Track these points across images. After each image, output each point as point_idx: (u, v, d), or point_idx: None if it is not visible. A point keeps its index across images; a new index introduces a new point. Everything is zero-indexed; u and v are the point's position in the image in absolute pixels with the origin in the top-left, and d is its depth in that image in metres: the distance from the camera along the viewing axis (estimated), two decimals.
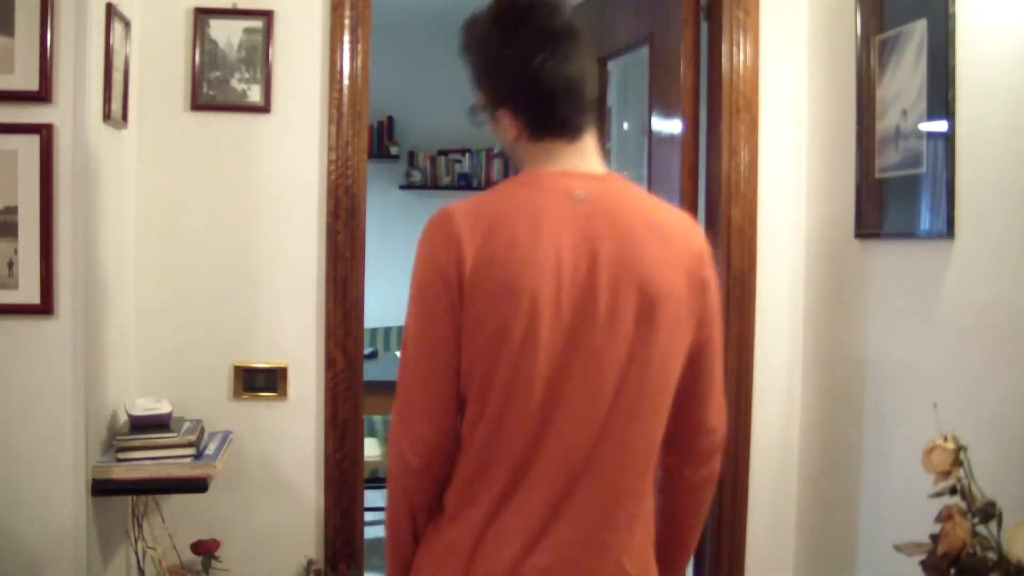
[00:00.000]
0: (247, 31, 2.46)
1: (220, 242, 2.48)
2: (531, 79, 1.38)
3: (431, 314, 1.36)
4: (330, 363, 2.50)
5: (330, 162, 2.49)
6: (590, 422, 1.33)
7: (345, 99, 2.48)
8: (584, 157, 1.45)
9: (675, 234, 1.43)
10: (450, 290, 1.33)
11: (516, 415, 1.33)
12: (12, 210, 2.00)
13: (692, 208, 2.68)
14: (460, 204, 1.39)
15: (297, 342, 2.51)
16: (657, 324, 1.35)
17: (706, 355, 1.45)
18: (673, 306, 1.37)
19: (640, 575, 1.39)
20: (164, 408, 2.22)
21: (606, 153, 3.37)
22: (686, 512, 1.53)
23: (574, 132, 1.43)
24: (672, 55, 2.72)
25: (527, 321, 1.31)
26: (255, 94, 2.47)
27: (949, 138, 1.89)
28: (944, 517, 1.46)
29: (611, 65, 3.38)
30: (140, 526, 2.33)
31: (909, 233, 2.09)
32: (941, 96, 1.92)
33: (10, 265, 2.00)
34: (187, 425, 2.25)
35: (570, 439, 1.33)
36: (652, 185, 2.90)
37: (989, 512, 1.44)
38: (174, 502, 2.42)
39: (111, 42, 2.14)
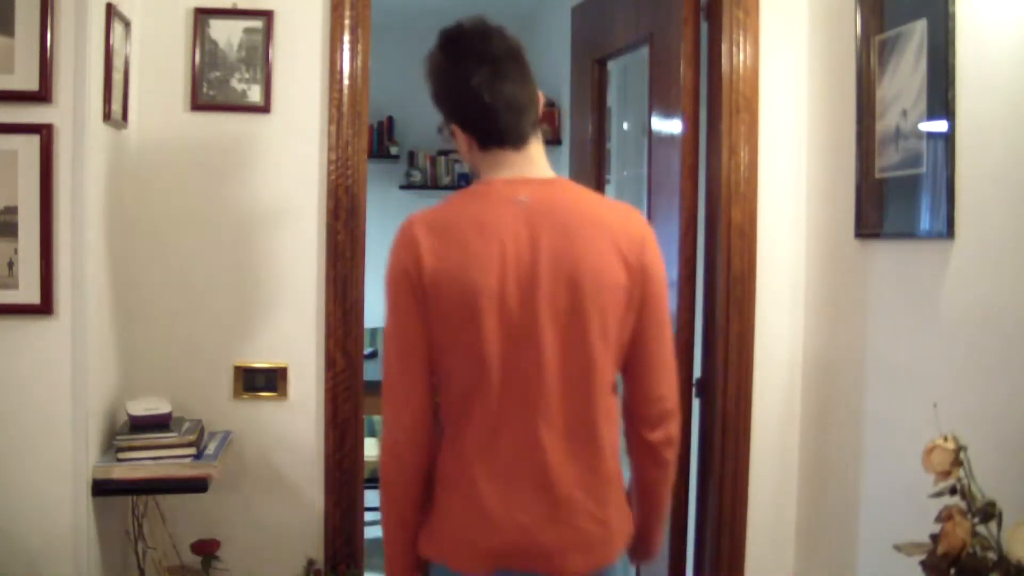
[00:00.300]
0: (247, 31, 2.46)
1: (220, 242, 2.48)
2: (473, 96, 1.61)
3: (401, 312, 1.60)
4: (330, 363, 2.50)
5: (330, 162, 2.49)
6: (542, 395, 1.56)
7: (345, 99, 2.49)
8: (531, 163, 1.66)
9: (613, 226, 1.62)
10: (414, 290, 1.57)
11: (480, 393, 1.57)
12: (12, 210, 2.00)
13: (692, 208, 2.68)
14: (420, 214, 1.63)
15: (297, 342, 2.51)
16: (594, 306, 1.56)
17: (650, 331, 1.64)
18: (610, 290, 1.58)
19: (601, 518, 1.61)
20: (164, 408, 2.22)
21: (606, 153, 3.39)
22: (650, 469, 1.72)
23: (517, 141, 1.64)
24: (672, 55, 2.72)
25: (479, 313, 1.54)
26: (255, 94, 2.47)
27: (949, 138, 1.89)
28: (944, 517, 1.46)
29: (611, 65, 3.38)
30: (140, 526, 2.33)
31: (909, 233, 2.09)
32: (941, 96, 1.92)
33: (10, 265, 2.00)
34: (187, 425, 2.25)
35: (525, 410, 1.57)
36: (652, 185, 2.90)
37: (989, 512, 1.44)
38: (174, 502, 2.42)
39: (111, 42, 2.14)
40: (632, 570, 2.84)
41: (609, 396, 1.63)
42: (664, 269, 1.68)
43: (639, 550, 1.77)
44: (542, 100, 1.70)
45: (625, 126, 3.59)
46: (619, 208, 1.71)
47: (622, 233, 1.62)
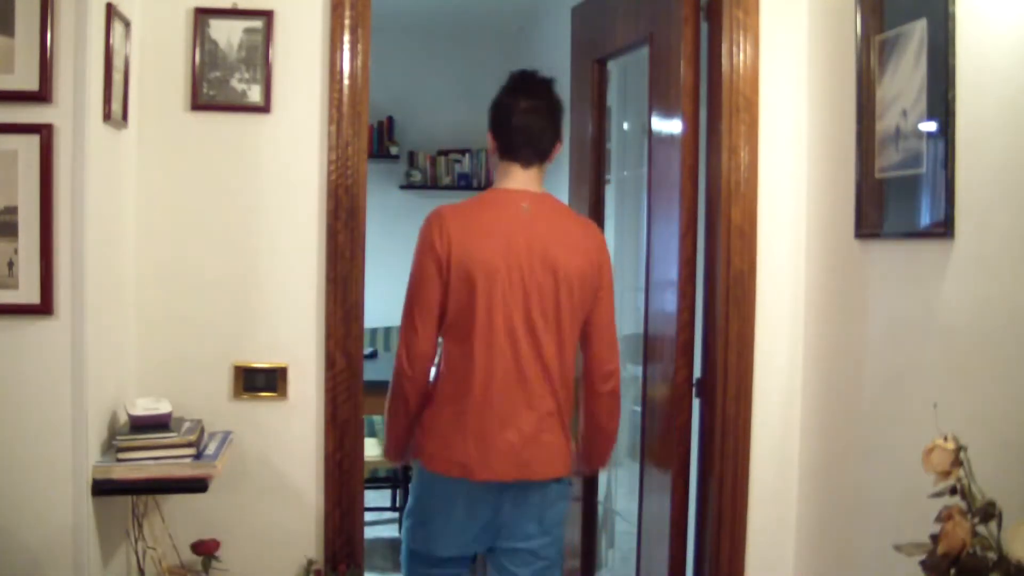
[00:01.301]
0: (247, 31, 2.46)
1: (220, 242, 2.48)
2: (508, 115, 2.26)
3: (424, 280, 2.17)
4: (330, 363, 2.50)
5: (330, 162, 2.49)
6: (528, 351, 2.16)
7: (345, 99, 2.49)
8: (531, 181, 2.26)
9: (578, 234, 2.26)
10: (439, 265, 2.15)
11: (484, 342, 2.14)
12: (12, 210, 2.00)
13: (692, 208, 2.68)
14: (449, 206, 2.22)
15: (297, 342, 2.51)
16: (566, 291, 2.18)
17: (600, 311, 2.26)
18: (575, 280, 2.19)
19: (556, 444, 2.22)
20: (164, 408, 2.22)
21: (606, 153, 3.39)
22: (600, 414, 2.31)
23: (526, 161, 2.25)
24: (672, 55, 2.72)
25: (489, 286, 2.14)
26: (255, 94, 2.47)
27: (949, 138, 1.89)
28: (944, 517, 1.46)
29: (611, 65, 3.38)
30: (140, 526, 2.33)
31: (909, 233, 2.09)
32: (941, 96, 1.92)
33: (10, 265, 2.00)
34: (187, 425, 2.25)
35: (505, 366, 2.15)
36: (652, 185, 2.90)
37: (989, 512, 1.44)
38: (174, 502, 2.42)
39: (111, 42, 2.14)
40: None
41: (569, 356, 2.23)
42: (611, 269, 2.29)
43: (587, 465, 2.43)
44: (559, 148, 2.29)
45: (625, 126, 3.59)
46: (583, 221, 2.37)
47: (584, 240, 2.25)
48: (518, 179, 2.24)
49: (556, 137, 2.27)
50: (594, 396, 2.30)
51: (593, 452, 2.38)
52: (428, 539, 2.24)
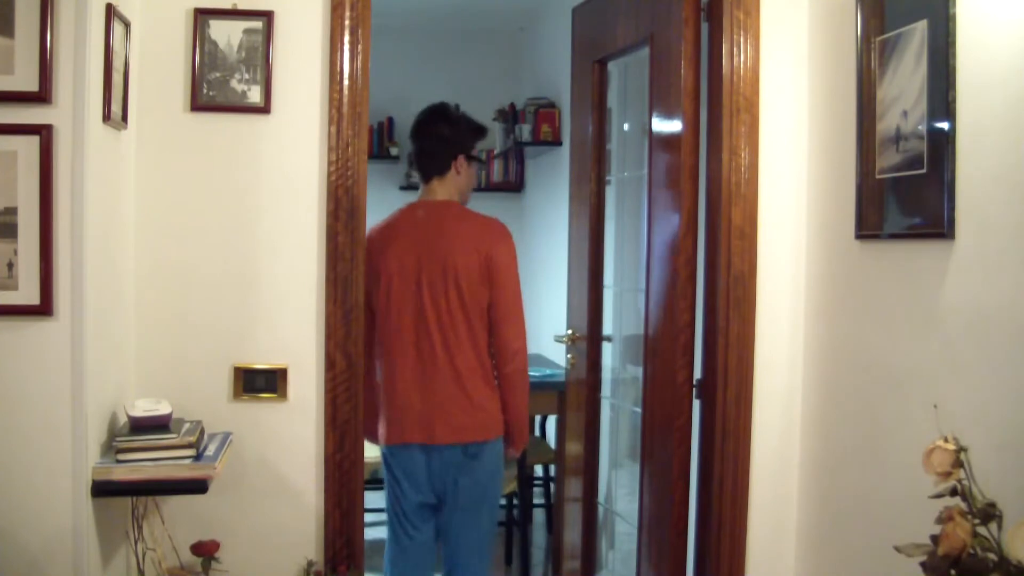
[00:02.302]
0: (247, 32, 2.46)
1: (220, 243, 2.48)
2: (413, 147, 2.83)
3: (367, 280, 2.60)
4: (330, 364, 2.50)
5: (330, 163, 2.49)
6: (424, 337, 2.61)
7: (345, 99, 2.49)
8: (430, 192, 2.76)
9: (469, 232, 2.66)
10: (367, 272, 2.61)
11: (395, 333, 2.63)
12: (12, 211, 2.00)
13: (693, 208, 2.68)
14: (380, 221, 2.77)
15: (297, 343, 2.51)
16: (452, 282, 2.59)
17: (500, 301, 2.64)
18: (461, 272, 2.59)
19: (471, 412, 2.63)
20: (164, 409, 2.22)
21: (606, 154, 3.39)
22: (508, 390, 2.69)
23: (426, 177, 2.77)
24: (672, 55, 2.72)
25: (389, 285, 2.63)
26: (255, 95, 2.47)
27: (949, 139, 1.89)
28: (944, 518, 1.46)
29: (611, 66, 3.38)
30: (140, 527, 2.33)
31: (909, 234, 2.09)
32: (941, 97, 1.92)
33: (10, 266, 2.00)
34: (187, 426, 2.25)
35: (415, 347, 2.61)
36: (652, 185, 2.90)
37: (990, 513, 1.44)
38: (174, 503, 2.42)
39: (111, 43, 2.14)
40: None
41: (466, 339, 2.62)
42: (513, 266, 2.67)
43: (509, 441, 2.74)
44: (460, 161, 2.75)
45: (625, 127, 3.58)
46: (480, 221, 2.71)
47: (476, 237, 2.64)
48: (421, 191, 2.78)
49: (451, 155, 2.73)
50: (501, 375, 2.67)
51: (512, 431, 2.72)
52: None
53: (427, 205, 2.71)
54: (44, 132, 1.99)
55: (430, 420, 2.60)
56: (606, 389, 3.46)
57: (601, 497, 3.49)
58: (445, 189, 2.74)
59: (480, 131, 2.85)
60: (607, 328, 3.43)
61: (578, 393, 3.43)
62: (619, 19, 3.10)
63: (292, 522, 2.52)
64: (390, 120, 6.14)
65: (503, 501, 4.43)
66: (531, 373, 4.36)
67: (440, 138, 2.75)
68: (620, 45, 3.13)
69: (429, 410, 2.60)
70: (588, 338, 3.33)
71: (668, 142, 2.77)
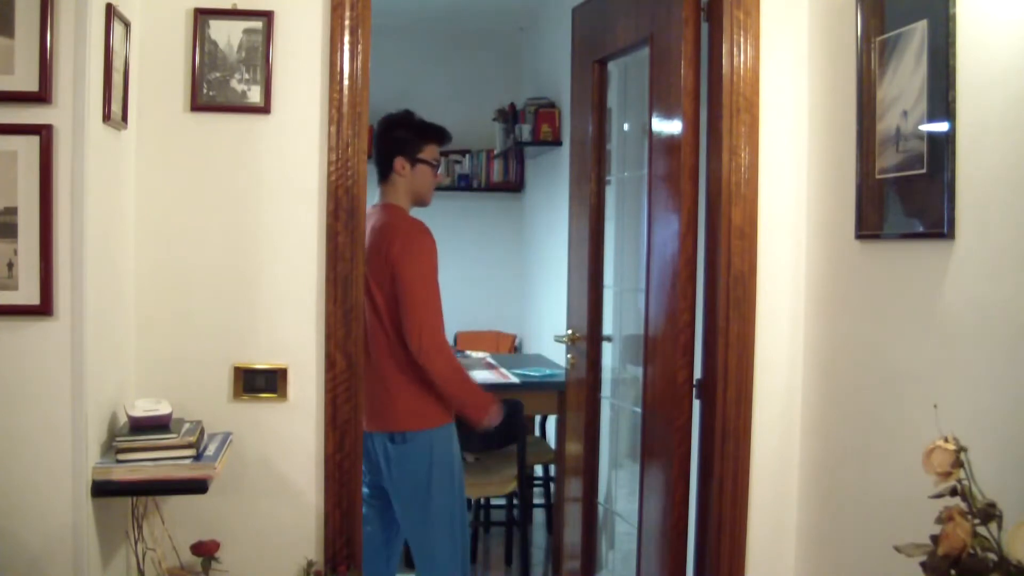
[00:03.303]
0: (247, 32, 2.46)
1: (220, 243, 2.48)
2: None
3: None
4: (330, 364, 2.50)
5: (330, 163, 2.49)
6: (380, 331, 2.88)
7: (345, 99, 2.48)
8: (382, 195, 3.02)
9: (390, 233, 2.87)
10: None
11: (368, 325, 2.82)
12: (12, 211, 2.00)
13: (693, 208, 2.68)
14: None
15: (297, 343, 2.51)
16: (375, 280, 2.83)
17: (400, 298, 2.82)
18: (381, 270, 2.82)
19: (388, 404, 2.90)
20: (164, 409, 2.22)
21: (606, 154, 3.39)
22: (432, 380, 2.86)
23: (379, 181, 3.02)
24: (672, 55, 2.72)
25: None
26: (255, 95, 2.47)
27: (949, 139, 1.89)
28: (944, 518, 1.46)
29: (611, 66, 3.38)
30: (140, 527, 2.33)
31: (909, 234, 2.09)
32: (941, 97, 1.92)
33: (10, 266, 2.00)
34: (187, 426, 2.25)
35: (374, 340, 2.87)
36: (652, 185, 2.90)
37: (990, 513, 1.44)
38: (174, 503, 2.42)
39: (111, 43, 2.14)
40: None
41: (383, 342, 2.86)
42: (412, 260, 2.81)
43: (465, 419, 2.97)
44: (398, 163, 2.98)
45: (625, 127, 3.59)
46: (400, 221, 2.93)
47: (391, 237, 2.85)
48: (378, 195, 3.04)
49: (389, 158, 2.98)
50: (422, 367, 2.84)
51: (457, 409, 2.96)
52: None
53: (374, 209, 2.96)
54: (44, 132, 1.99)
55: (367, 410, 2.77)
56: (606, 389, 3.46)
57: (601, 497, 3.49)
58: (389, 192, 3.00)
59: (425, 132, 3.00)
60: (607, 328, 3.43)
61: (578, 393, 3.43)
62: (619, 19, 3.10)
63: (292, 522, 2.52)
64: None
65: (501, 501, 4.44)
66: (532, 373, 4.39)
67: (380, 144, 3.01)
68: (620, 45, 3.13)
69: (367, 402, 2.77)
70: (588, 338, 3.33)
71: (668, 142, 2.77)
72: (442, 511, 2.90)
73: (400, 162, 2.96)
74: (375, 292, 2.83)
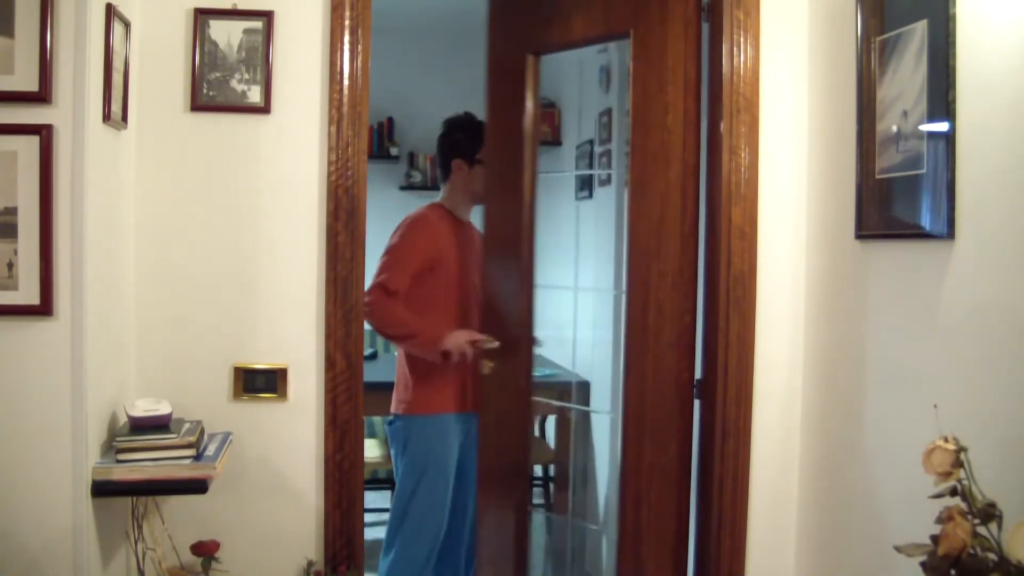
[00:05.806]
0: (247, 32, 2.46)
1: (220, 243, 2.48)
2: None
3: None
4: (330, 364, 2.50)
5: (330, 163, 2.49)
6: None
7: (345, 100, 2.48)
8: (441, 195, 3.19)
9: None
10: None
11: None
12: (12, 211, 2.00)
13: (694, 209, 2.67)
14: None
15: (297, 343, 2.51)
16: None
17: None
18: None
19: (395, 395, 3.14)
20: (164, 409, 2.22)
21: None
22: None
23: (440, 182, 3.23)
24: (669, 54, 2.71)
25: None
26: (255, 95, 2.47)
27: (949, 139, 1.89)
28: (944, 518, 1.46)
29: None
30: (140, 527, 2.33)
31: (910, 234, 2.09)
32: (941, 97, 1.92)
33: (10, 266, 2.00)
34: (187, 426, 2.25)
35: None
36: (652, 186, 2.89)
37: (990, 513, 1.44)
38: (174, 503, 2.42)
39: (111, 43, 2.14)
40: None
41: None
42: (388, 249, 3.05)
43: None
44: (455, 166, 3.11)
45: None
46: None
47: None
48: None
49: (448, 160, 3.15)
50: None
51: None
52: None
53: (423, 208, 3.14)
54: (44, 132, 1.99)
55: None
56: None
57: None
58: (448, 192, 3.12)
59: (484, 134, 2.97)
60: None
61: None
62: (574, 11, 2.81)
63: (292, 522, 2.52)
64: (390, 120, 6.14)
65: None
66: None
67: (441, 146, 3.14)
68: (574, 38, 2.86)
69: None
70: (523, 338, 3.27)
71: (668, 142, 2.76)
72: (396, 505, 3.05)
73: (458, 163, 3.07)
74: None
